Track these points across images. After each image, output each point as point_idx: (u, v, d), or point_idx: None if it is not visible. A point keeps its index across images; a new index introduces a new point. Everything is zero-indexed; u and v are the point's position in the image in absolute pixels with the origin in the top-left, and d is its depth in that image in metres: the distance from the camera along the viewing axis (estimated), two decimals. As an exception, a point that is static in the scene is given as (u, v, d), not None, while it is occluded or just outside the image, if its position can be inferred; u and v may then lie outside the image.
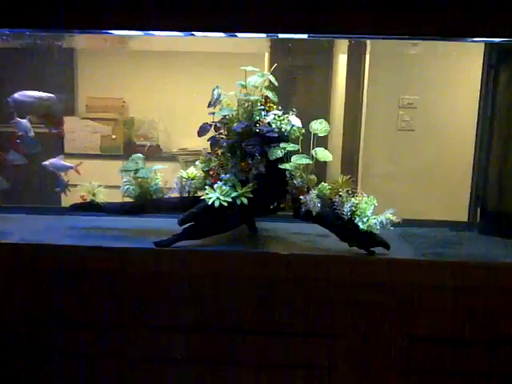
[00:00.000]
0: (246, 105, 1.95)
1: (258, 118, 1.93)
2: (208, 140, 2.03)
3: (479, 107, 2.41)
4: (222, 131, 2.00)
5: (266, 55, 4.19)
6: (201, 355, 1.88)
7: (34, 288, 1.87)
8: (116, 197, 2.09)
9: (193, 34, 1.91)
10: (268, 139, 1.87)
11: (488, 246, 2.04)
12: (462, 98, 3.53)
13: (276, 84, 1.97)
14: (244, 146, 1.86)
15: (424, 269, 1.80)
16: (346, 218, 1.82)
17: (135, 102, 4.68)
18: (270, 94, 1.96)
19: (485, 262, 1.84)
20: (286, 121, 1.92)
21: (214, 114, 1.97)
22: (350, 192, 1.85)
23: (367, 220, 1.80)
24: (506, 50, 2.14)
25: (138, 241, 1.93)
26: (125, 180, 2.00)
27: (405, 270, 1.81)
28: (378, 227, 1.81)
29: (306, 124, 1.91)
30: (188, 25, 1.82)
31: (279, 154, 1.84)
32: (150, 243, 1.86)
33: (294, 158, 1.85)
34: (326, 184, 1.92)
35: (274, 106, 1.98)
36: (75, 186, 2.17)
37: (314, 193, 1.84)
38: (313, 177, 1.90)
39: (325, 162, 1.88)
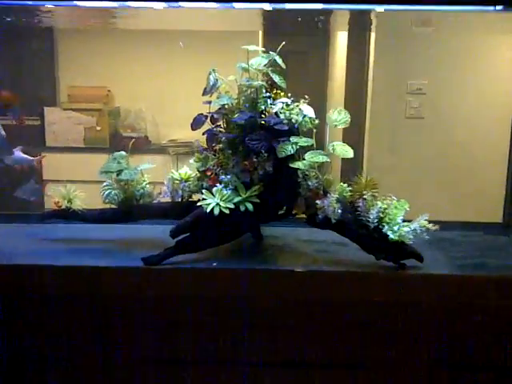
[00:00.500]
0: (249, 92, 1.63)
1: (263, 107, 1.61)
2: (203, 133, 1.72)
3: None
4: (219, 123, 1.68)
5: (260, 33, 3.88)
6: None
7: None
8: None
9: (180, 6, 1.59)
10: (276, 133, 1.56)
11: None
12: (477, 81, 3.24)
13: (283, 66, 1.65)
14: (247, 141, 1.55)
15: (466, 285, 1.51)
16: (371, 225, 1.52)
17: (121, 90, 4.36)
18: (276, 79, 1.64)
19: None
20: (296, 110, 1.61)
21: (210, 103, 1.65)
22: (376, 195, 1.55)
23: (398, 228, 1.50)
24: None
25: (121, 257, 1.62)
26: (105, 183, 1.67)
27: (443, 287, 1.51)
28: (411, 236, 1.51)
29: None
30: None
31: (290, 150, 1.53)
32: (137, 259, 1.55)
33: (308, 156, 1.54)
34: (345, 185, 1.62)
35: (282, 93, 1.66)
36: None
37: (333, 196, 1.53)
38: (329, 177, 1.59)
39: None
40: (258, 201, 1.56)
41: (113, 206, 1.70)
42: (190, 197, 1.69)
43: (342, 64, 3.77)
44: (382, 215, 1.52)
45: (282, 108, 1.61)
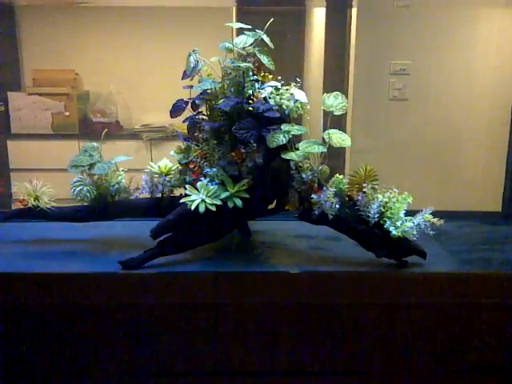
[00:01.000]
0: (234, 74, 1.47)
1: (250, 91, 1.46)
2: (184, 121, 1.56)
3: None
4: (202, 110, 1.52)
5: (234, 10, 3.71)
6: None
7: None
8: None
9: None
10: (266, 120, 1.41)
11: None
12: (465, 59, 3.12)
13: (271, 46, 1.50)
14: (234, 130, 1.39)
15: (475, 284, 1.40)
16: (372, 221, 1.39)
17: (90, 72, 4.14)
18: (264, 60, 1.48)
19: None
20: (287, 95, 1.46)
21: (191, 87, 1.49)
22: (376, 187, 1.42)
23: (401, 224, 1.37)
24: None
25: (95, 260, 1.46)
26: (76, 179, 1.50)
27: (449, 286, 1.40)
28: (415, 232, 1.38)
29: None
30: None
31: (282, 139, 1.38)
32: (113, 263, 1.40)
33: (302, 145, 1.39)
34: (341, 177, 1.48)
35: (270, 76, 1.51)
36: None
37: (330, 190, 1.39)
38: (325, 168, 1.45)
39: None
40: (247, 196, 1.41)
41: (85, 203, 1.53)
42: (172, 192, 1.54)
43: (320, 43, 3.61)
44: (383, 209, 1.40)
45: (272, 92, 1.46)
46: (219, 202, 1.38)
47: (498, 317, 1.42)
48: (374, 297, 1.39)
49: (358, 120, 3.24)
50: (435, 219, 1.38)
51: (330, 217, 1.39)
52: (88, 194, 1.50)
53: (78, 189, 1.49)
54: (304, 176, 1.42)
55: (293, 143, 1.42)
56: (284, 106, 1.44)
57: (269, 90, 1.46)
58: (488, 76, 3.10)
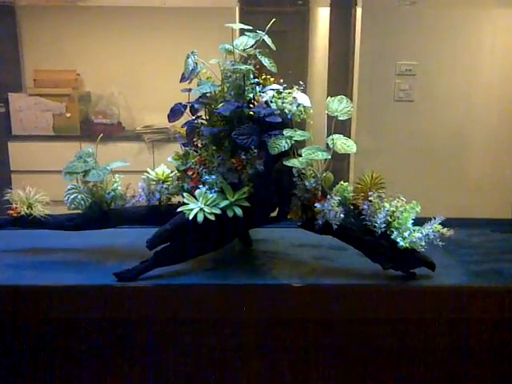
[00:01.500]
0: (234, 77, 1.41)
1: (251, 95, 1.40)
2: (182, 126, 1.50)
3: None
4: (201, 115, 1.46)
5: (237, 10, 3.65)
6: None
7: None
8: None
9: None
10: (267, 125, 1.35)
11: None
12: (472, 60, 3.05)
13: (273, 47, 1.43)
14: (234, 135, 1.33)
15: (487, 297, 1.33)
16: (378, 231, 1.33)
17: (91, 73, 4.09)
18: (265, 62, 1.42)
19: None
20: (289, 99, 1.39)
21: (189, 90, 1.43)
22: (383, 195, 1.35)
23: (409, 234, 1.31)
24: None
25: (89, 271, 1.40)
26: (69, 187, 1.44)
27: (460, 299, 1.33)
28: (423, 243, 1.32)
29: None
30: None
31: (284, 145, 1.32)
32: (108, 275, 1.34)
33: (305, 152, 1.33)
34: (346, 184, 1.42)
35: (272, 79, 1.45)
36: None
37: (334, 199, 1.33)
38: (329, 175, 1.39)
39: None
40: (247, 204, 1.35)
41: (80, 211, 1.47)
42: (170, 200, 1.48)
43: (324, 43, 3.55)
44: (390, 219, 1.33)
45: (273, 96, 1.40)
46: (218, 211, 1.32)
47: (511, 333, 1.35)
48: (380, 311, 1.33)
49: (363, 122, 3.18)
50: (444, 229, 1.32)
51: (335, 227, 1.33)
52: (82, 202, 1.44)
53: (71, 197, 1.43)
54: (307, 183, 1.35)
55: (295, 149, 1.36)
56: (286, 111, 1.38)
57: (270, 93, 1.40)
58: (497, 77, 3.03)
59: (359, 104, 3.18)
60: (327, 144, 1.34)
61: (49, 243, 1.59)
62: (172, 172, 1.48)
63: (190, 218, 1.31)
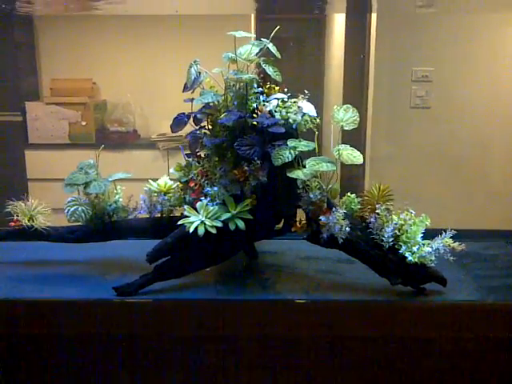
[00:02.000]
0: (238, 87, 1.37)
1: (254, 105, 1.36)
2: (186, 136, 1.47)
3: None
4: (204, 125, 1.43)
5: (253, 17, 3.62)
6: None
7: None
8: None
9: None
10: (271, 135, 1.30)
11: None
12: (490, 65, 2.96)
13: (278, 55, 1.39)
14: (237, 146, 1.29)
15: (502, 315, 1.26)
16: (386, 245, 1.28)
17: (107, 82, 4.10)
18: (270, 70, 1.38)
19: None
20: (294, 108, 1.35)
21: (192, 100, 1.40)
22: (391, 208, 1.30)
23: (418, 249, 1.25)
24: None
25: (88, 285, 1.37)
26: (70, 199, 1.42)
27: (472, 317, 1.27)
28: (433, 258, 1.26)
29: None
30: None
31: (288, 156, 1.28)
32: (107, 289, 1.31)
33: (309, 163, 1.28)
34: (353, 196, 1.37)
35: (277, 88, 1.41)
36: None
37: (340, 212, 1.28)
38: (335, 186, 1.34)
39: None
40: (250, 217, 1.31)
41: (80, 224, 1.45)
42: (171, 212, 1.44)
43: (340, 49, 3.50)
44: (398, 233, 1.28)
45: (278, 105, 1.36)
46: (220, 224, 1.28)
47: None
48: (388, 329, 1.27)
49: (378, 128, 3.12)
50: (456, 243, 1.26)
51: (340, 240, 1.28)
52: (83, 214, 1.42)
53: (72, 209, 1.41)
54: (312, 195, 1.31)
55: (300, 160, 1.32)
56: (291, 120, 1.34)
57: (274, 102, 1.36)
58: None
59: (375, 111, 3.12)
60: (333, 154, 1.30)
61: (50, 256, 1.57)
62: (174, 183, 1.45)
63: (191, 231, 1.27)
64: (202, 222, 1.28)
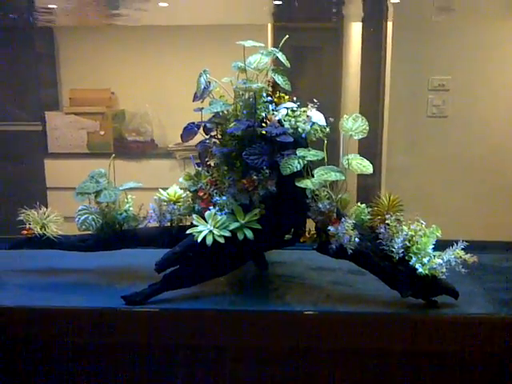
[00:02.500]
0: (247, 96, 1.37)
1: (263, 114, 1.35)
2: (196, 146, 1.47)
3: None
4: (213, 134, 1.43)
5: (269, 26, 3.63)
6: None
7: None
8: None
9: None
10: (280, 145, 1.30)
11: None
12: (508, 74, 2.92)
13: (288, 64, 1.39)
14: (245, 155, 1.29)
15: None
16: (396, 257, 1.26)
17: (125, 91, 4.13)
18: (279, 80, 1.38)
19: None
20: (303, 117, 1.35)
21: (201, 110, 1.40)
22: (401, 218, 1.28)
23: (429, 261, 1.23)
24: None
25: (97, 293, 1.38)
26: (80, 207, 1.43)
27: (485, 330, 1.24)
28: (444, 270, 1.24)
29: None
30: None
31: (296, 165, 1.27)
32: (116, 297, 1.31)
33: (318, 172, 1.27)
34: (363, 206, 1.36)
35: (286, 97, 1.40)
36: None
37: (348, 222, 1.26)
38: (345, 196, 1.33)
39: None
40: (259, 226, 1.30)
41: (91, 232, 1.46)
42: (181, 221, 1.44)
43: (357, 58, 3.49)
44: (408, 244, 1.26)
45: (287, 115, 1.35)
46: (228, 234, 1.28)
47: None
48: (398, 342, 1.25)
49: (394, 138, 3.09)
50: (467, 255, 1.23)
51: (349, 251, 1.26)
52: (93, 223, 1.43)
53: (82, 217, 1.42)
54: (321, 205, 1.29)
55: (309, 169, 1.31)
56: (300, 130, 1.33)
57: (283, 111, 1.35)
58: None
59: (391, 120, 3.10)
60: (342, 164, 1.29)
61: (61, 264, 1.58)
62: (184, 192, 1.45)
63: (199, 240, 1.27)
64: (211, 231, 1.28)
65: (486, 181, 2.93)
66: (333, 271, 1.51)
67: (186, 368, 1.31)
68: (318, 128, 1.35)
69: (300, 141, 1.33)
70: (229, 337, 1.28)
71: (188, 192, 1.43)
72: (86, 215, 1.42)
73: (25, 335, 1.32)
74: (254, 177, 1.30)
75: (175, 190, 1.46)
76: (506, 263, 1.58)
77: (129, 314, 1.29)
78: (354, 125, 1.29)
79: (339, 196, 1.32)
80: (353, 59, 3.78)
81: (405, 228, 1.27)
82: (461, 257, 1.23)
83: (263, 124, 1.34)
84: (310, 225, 1.36)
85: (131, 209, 1.47)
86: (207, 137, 1.44)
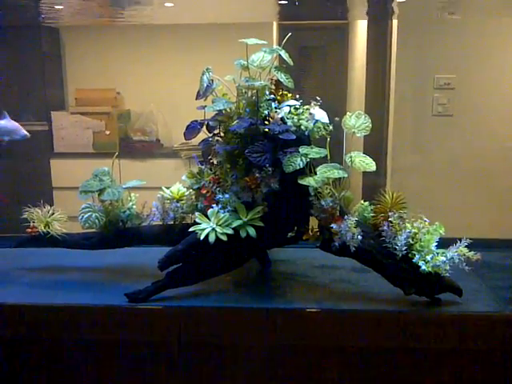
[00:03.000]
0: (250, 94, 1.37)
1: (266, 112, 1.35)
2: (199, 144, 1.48)
3: None
4: (216, 132, 1.43)
5: (275, 24, 3.62)
6: None
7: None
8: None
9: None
10: (282, 143, 1.30)
11: None
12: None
13: (290, 62, 1.39)
14: (248, 153, 1.29)
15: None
16: (399, 254, 1.25)
17: (131, 91, 4.14)
18: (282, 78, 1.38)
19: None
20: (306, 115, 1.34)
21: (204, 108, 1.40)
22: (404, 216, 1.28)
23: (432, 258, 1.22)
24: None
25: (100, 291, 1.38)
26: (84, 205, 1.43)
27: (489, 328, 1.23)
28: (447, 267, 1.23)
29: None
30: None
31: (299, 163, 1.27)
32: (119, 295, 1.31)
33: (320, 170, 1.27)
34: (366, 204, 1.35)
35: (289, 95, 1.40)
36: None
37: (351, 219, 1.26)
38: (348, 194, 1.33)
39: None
40: (261, 224, 1.30)
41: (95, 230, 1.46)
42: (184, 219, 1.44)
43: (362, 57, 3.48)
44: (411, 241, 1.25)
45: (290, 112, 1.35)
46: (230, 231, 1.28)
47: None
48: (401, 340, 1.24)
49: (399, 136, 3.08)
50: (471, 253, 1.23)
51: (352, 249, 1.26)
52: (97, 221, 1.43)
53: (86, 215, 1.42)
54: (323, 203, 1.29)
55: (312, 167, 1.30)
56: (303, 127, 1.33)
57: (286, 109, 1.35)
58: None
59: (396, 118, 3.09)
60: (345, 161, 1.29)
61: (65, 262, 1.59)
62: (187, 191, 1.46)
63: (202, 237, 1.27)
64: (213, 229, 1.28)
65: (492, 179, 2.91)
66: (336, 269, 1.51)
67: (190, 365, 1.31)
68: (321, 126, 1.35)
69: (303, 138, 1.33)
70: (232, 334, 1.28)
71: (191, 190, 1.43)
72: (89, 213, 1.43)
73: (29, 332, 1.32)
74: (257, 174, 1.30)
75: (178, 188, 1.46)
76: (510, 261, 1.57)
77: (130, 312, 1.29)
78: (356, 122, 1.29)
79: (342, 194, 1.32)
80: (358, 58, 3.77)
81: (408, 225, 1.26)
82: (464, 254, 1.23)
83: (266, 122, 1.34)
84: (313, 222, 1.36)
85: (134, 207, 1.47)
86: (210, 135, 1.44)
